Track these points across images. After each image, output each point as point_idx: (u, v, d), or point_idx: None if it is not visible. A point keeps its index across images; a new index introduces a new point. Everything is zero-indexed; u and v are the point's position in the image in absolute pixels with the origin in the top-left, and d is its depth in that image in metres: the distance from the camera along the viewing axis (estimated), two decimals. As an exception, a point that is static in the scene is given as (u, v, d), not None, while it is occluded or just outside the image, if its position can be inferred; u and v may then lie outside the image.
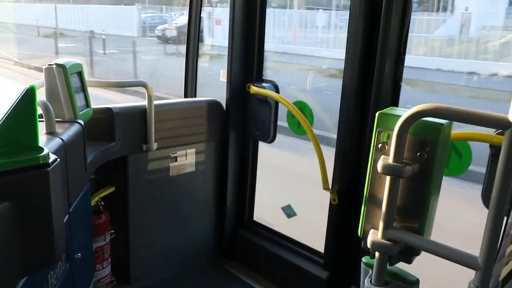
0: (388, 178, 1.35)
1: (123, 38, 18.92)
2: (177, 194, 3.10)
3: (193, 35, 3.35)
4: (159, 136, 2.86)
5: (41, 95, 1.98)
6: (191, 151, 3.09)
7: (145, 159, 2.86)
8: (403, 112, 1.34)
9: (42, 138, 1.78)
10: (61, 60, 2.14)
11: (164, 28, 17.97)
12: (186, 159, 3.08)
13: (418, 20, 11.04)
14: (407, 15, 2.29)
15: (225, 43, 3.09)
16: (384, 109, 1.45)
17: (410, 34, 2.33)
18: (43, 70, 2.14)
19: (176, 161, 3.02)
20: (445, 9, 11.83)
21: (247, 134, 3.27)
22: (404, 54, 2.36)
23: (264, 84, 3.08)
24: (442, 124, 1.31)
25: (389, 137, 1.40)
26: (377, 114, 1.42)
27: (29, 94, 1.29)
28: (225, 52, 3.12)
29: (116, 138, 2.60)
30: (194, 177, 3.16)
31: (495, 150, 1.92)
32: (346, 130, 2.56)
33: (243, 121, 3.24)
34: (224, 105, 3.20)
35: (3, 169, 1.16)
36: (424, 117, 1.29)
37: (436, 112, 1.24)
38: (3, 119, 1.24)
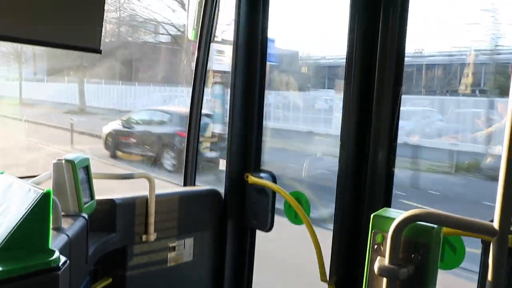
0: (384, 279, 1.40)
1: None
2: (174, 285, 3.06)
3: (194, 120, 3.37)
4: (158, 226, 2.89)
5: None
6: (189, 240, 3.11)
7: (143, 249, 2.87)
8: (397, 215, 1.43)
9: None
10: (69, 156, 2.25)
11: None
12: (184, 248, 3.09)
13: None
14: (397, 106, 2.41)
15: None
16: (378, 211, 1.54)
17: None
18: (52, 165, 2.24)
19: (174, 250, 3.03)
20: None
21: (244, 222, 3.31)
22: (396, 142, 2.43)
23: (261, 174, 3.18)
24: (433, 228, 1.39)
25: (384, 238, 1.47)
26: (371, 216, 1.50)
27: (45, 198, 1.37)
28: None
29: (117, 230, 2.64)
30: (192, 266, 3.15)
31: (486, 245, 1.98)
32: (342, 225, 2.60)
33: (241, 210, 3.29)
34: (222, 194, 3.28)
35: (16, 274, 1.21)
36: (416, 222, 1.37)
37: (427, 217, 1.33)
38: (18, 223, 1.31)
